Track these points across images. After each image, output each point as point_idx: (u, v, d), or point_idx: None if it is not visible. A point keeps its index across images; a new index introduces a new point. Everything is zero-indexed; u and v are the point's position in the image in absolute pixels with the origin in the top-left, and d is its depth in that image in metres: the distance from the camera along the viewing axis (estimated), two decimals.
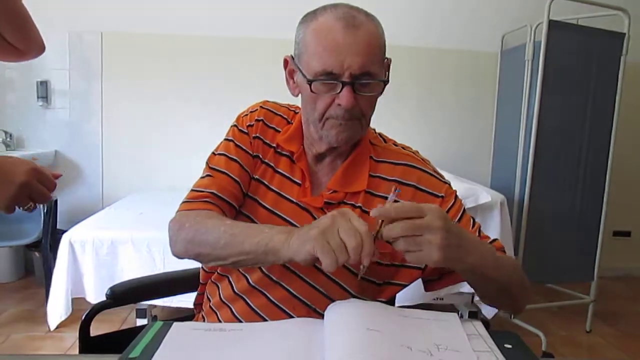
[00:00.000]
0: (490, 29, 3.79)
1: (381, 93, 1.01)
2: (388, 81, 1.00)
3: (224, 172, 1.08)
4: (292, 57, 1.04)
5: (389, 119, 3.50)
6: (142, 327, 0.79)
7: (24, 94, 3.59)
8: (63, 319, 2.43)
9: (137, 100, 3.68)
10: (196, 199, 1.05)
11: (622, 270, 4.09)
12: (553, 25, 2.75)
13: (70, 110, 3.66)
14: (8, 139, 3.54)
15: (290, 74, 1.06)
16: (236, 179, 1.08)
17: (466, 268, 0.88)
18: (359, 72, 0.94)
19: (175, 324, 0.79)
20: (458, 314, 0.82)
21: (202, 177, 1.10)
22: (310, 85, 0.96)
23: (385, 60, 1.03)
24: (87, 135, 3.68)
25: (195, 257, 0.99)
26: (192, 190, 1.08)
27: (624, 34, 2.91)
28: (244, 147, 1.11)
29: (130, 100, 3.68)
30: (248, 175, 1.09)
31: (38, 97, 3.57)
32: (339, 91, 0.96)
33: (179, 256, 1.01)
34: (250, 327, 0.80)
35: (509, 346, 0.77)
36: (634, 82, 3.40)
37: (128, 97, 3.67)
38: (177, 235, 1.00)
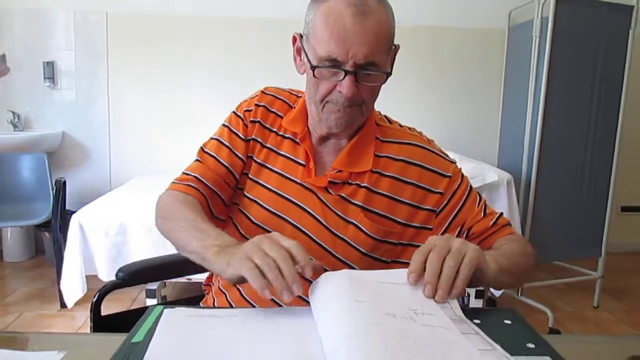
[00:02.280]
0: (497, 5, 3.73)
1: (384, 83, 0.99)
2: (391, 73, 0.98)
3: (213, 156, 1.12)
4: (300, 35, 1.03)
5: (395, 98, 3.48)
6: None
7: (30, 75, 3.59)
8: (80, 296, 2.46)
9: (144, 81, 3.67)
10: (181, 181, 1.10)
11: (630, 246, 4.09)
12: (560, 0, 2.71)
13: (77, 91, 3.66)
14: (16, 120, 3.55)
15: (298, 52, 1.05)
16: (224, 163, 1.11)
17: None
18: (363, 61, 0.93)
19: (166, 311, 0.79)
20: (465, 294, 0.83)
21: (194, 160, 1.14)
22: (313, 71, 0.96)
23: (393, 47, 1.01)
24: (94, 116, 3.69)
25: (167, 238, 1.03)
26: (182, 172, 1.13)
27: (633, 6, 2.86)
28: (237, 132, 1.13)
29: (136, 81, 3.67)
30: (240, 160, 1.11)
31: (45, 78, 3.57)
32: (341, 79, 0.95)
33: (159, 230, 1.06)
34: (245, 313, 0.81)
35: (508, 322, 0.78)
36: None
37: (134, 77, 3.67)
38: (156, 212, 1.08)
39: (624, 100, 2.94)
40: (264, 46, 3.62)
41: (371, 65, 0.94)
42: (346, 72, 0.94)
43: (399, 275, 0.84)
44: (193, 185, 1.08)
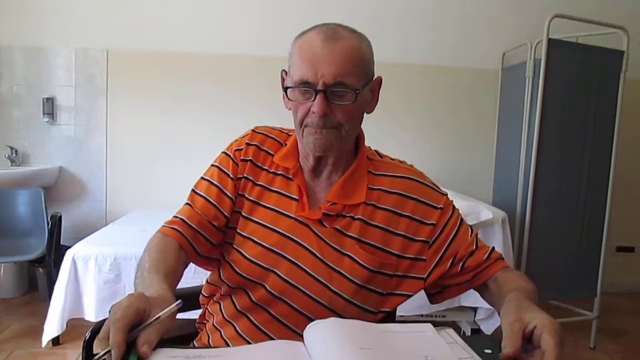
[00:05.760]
0: (490, 46, 3.82)
1: (354, 103, 1.01)
2: (359, 90, 1.01)
3: (202, 197, 1.14)
4: (286, 72, 1.09)
5: (390, 136, 3.52)
6: None
7: (30, 111, 3.63)
8: (54, 336, 2.43)
9: (142, 117, 3.71)
10: (169, 224, 1.11)
11: (625, 286, 4.07)
12: (553, 43, 2.77)
13: (76, 126, 3.69)
14: (13, 155, 3.57)
15: (285, 89, 1.09)
16: (214, 203, 1.12)
17: None
18: (332, 81, 0.98)
19: (153, 351, 0.77)
20: (460, 331, 0.83)
21: (184, 203, 1.16)
22: (286, 92, 1.02)
23: (375, 78, 1.07)
24: (92, 151, 3.71)
25: None
26: (173, 215, 1.14)
27: (623, 51, 2.94)
28: (227, 171, 1.14)
29: (134, 116, 3.71)
30: (229, 199, 1.13)
31: (44, 114, 3.61)
32: (313, 99, 0.99)
33: None
34: (232, 352, 0.80)
35: (489, 351, 0.78)
36: (634, 98, 3.43)
37: (132, 113, 3.71)
38: None
39: (617, 141, 2.99)
40: (262, 82, 3.66)
41: (340, 85, 0.99)
42: (316, 92, 0.98)
43: (404, 326, 0.83)
44: (177, 228, 1.09)
